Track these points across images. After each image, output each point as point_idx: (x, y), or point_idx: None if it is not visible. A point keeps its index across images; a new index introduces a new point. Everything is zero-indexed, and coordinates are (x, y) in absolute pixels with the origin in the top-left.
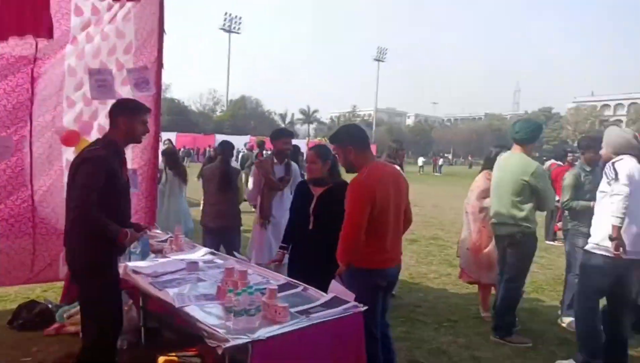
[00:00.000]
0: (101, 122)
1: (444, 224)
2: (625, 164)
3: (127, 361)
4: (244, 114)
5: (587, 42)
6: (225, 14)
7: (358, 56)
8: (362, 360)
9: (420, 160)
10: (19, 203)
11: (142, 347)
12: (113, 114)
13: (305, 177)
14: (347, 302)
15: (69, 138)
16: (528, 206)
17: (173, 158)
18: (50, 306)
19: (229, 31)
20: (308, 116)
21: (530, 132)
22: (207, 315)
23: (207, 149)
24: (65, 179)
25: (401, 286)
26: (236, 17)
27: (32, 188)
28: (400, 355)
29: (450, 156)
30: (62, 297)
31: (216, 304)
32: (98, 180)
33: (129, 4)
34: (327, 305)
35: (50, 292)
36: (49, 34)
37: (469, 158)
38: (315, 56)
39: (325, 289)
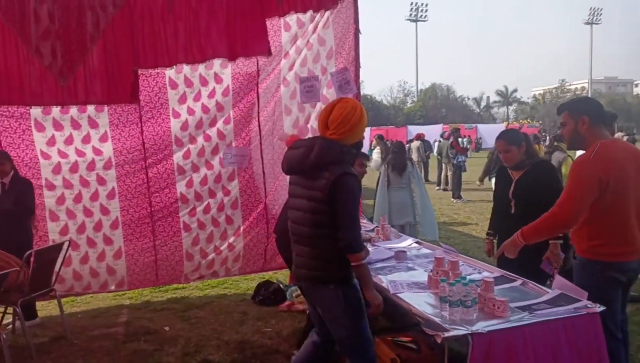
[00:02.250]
0: (313, 125)
1: None
2: None
3: None
4: (434, 103)
5: None
6: (411, 3)
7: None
8: None
9: None
10: (256, 204)
11: None
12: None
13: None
14: (578, 300)
15: (291, 142)
16: None
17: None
18: (281, 286)
19: (416, 20)
20: (506, 98)
21: None
22: (422, 303)
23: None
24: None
25: None
26: (422, 4)
27: (265, 190)
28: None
29: None
30: (290, 279)
31: (429, 293)
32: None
33: (327, 13)
34: (553, 302)
35: (279, 275)
36: (268, 53)
37: None
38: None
39: (533, 277)
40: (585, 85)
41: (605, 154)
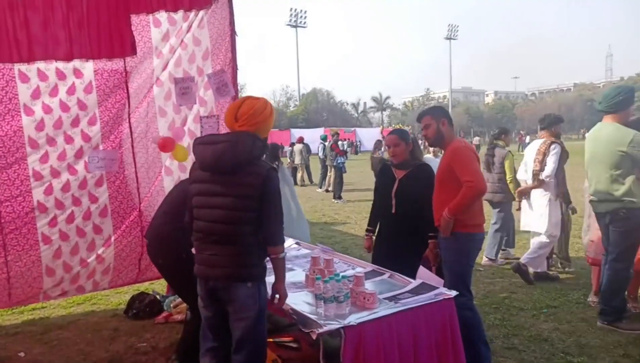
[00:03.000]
0: (191, 127)
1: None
2: None
3: None
4: (316, 107)
5: None
6: (291, 9)
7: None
8: (458, 345)
9: None
10: (129, 211)
11: None
12: None
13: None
14: (436, 288)
15: (165, 145)
16: (630, 179)
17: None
18: (158, 297)
19: (295, 26)
20: (381, 103)
21: (619, 99)
22: (299, 302)
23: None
24: (165, 184)
25: (493, 272)
26: (301, 11)
27: (139, 195)
28: (497, 342)
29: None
30: (167, 289)
31: (306, 291)
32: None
33: (201, 12)
34: (416, 291)
35: (156, 285)
36: (133, 51)
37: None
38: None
39: (412, 272)
40: (447, 94)
41: (469, 144)
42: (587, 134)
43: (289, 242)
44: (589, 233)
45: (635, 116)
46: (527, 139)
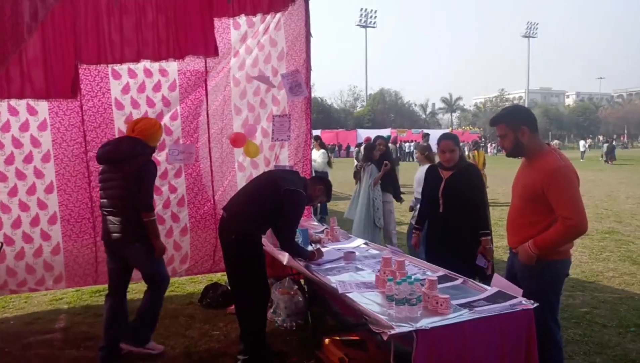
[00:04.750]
0: (264, 126)
1: (621, 216)
2: None
3: (297, 341)
4: (383, 108)
5: None
6: (361, 9)
7: (505, 35)
8: (533, 359)
9: (582, 144)
10: (203, 202)
11: (308, 329)
12: None
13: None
14: (514, 297)
15: (237, 140)
16: None
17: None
18: (229, 288)
19: (365, 26)
20: (450, 105)
21: None
22: (369, 302)
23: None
24: (237, 180)
25: (572, 285)
26: (371, 11)
27: (213, 188)
28: (577, 359)
29: (624, 138)
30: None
31: (376, 292)
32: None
33: (279, 14)
34: (491, 299)
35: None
36: (215, 53)
37: None
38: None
39: (465, 271)
40: (523, 94)
41: (566, 157)
42: None
43: (357, 242)
44: None
45: None
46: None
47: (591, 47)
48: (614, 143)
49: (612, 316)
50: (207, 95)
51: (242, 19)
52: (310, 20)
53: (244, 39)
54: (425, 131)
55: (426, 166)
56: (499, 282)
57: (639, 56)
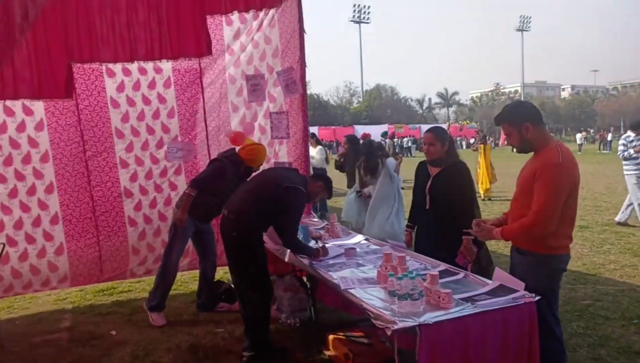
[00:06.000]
0: (261, 123)
1: (620, 208)
2: None
3: (300, 337)
4: (379, 104)
5: None
6: (354, 5)
7: (498, 29)
8: (534, 351)
9: (578, 137)
10: None
11: (312, 325)
12: None
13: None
14: (516, 291)
15: (236, 138)
16: None
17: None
18: (232, 286)
19: (359, 22)
20: (446, 100)
21: None
22: (372, 298)
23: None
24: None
25: (574, 278)
26: (365, 7)
27: None
28: (582, 352)
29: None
30: None
31: (378, 288)
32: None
33: (272, 11)
34: (493, 293)
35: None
36: (209, 52)
37: None
38: (451, 35)
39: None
40: (518, 88)
41: (568, 154)
42: None
43: (357, 238)
44: None
45: None
46: (610, 137)
47: (585, 40)
48: (610, 135)
49: (614, 309)
50: (203, 92)
51: (235, 16)
52: (303, 16)
53: (237, 36)
54: (423, 125)
55: None
56: (500, 276)
57: (633, 49)
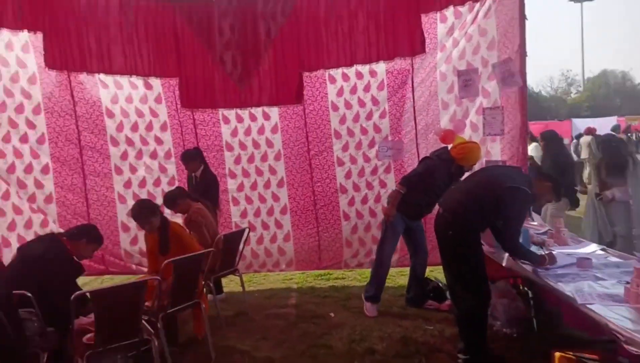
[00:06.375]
0: (472, 120)
1: None
2: None
3: (519, 349)
4: (605, 93)
5: None
6: None
7: None
8: None
9: None
10: None
11: (533, 338)
12: None
13: None
14: None
15: (446, 137)
16: None
17: None
18: (440, 284)
19: (581, 0)
20: None
21: None
22: (619, 318)
23: None
24: None
25: None
26: None
27: None
28: None
29: None
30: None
31: (627, 307)
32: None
33: (489, 1)
34: None
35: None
36: (422, 50)
37: None
38: None
39: None
40: None
41: None
42: None
43: (591, 247)
44: None
45: None
46: None
47: None
48: None
49: None
50: (413, 91)
51: (450, 11)
52: (524, 1)
53: (450, 32)
54: None
55: None
56: None
57: None
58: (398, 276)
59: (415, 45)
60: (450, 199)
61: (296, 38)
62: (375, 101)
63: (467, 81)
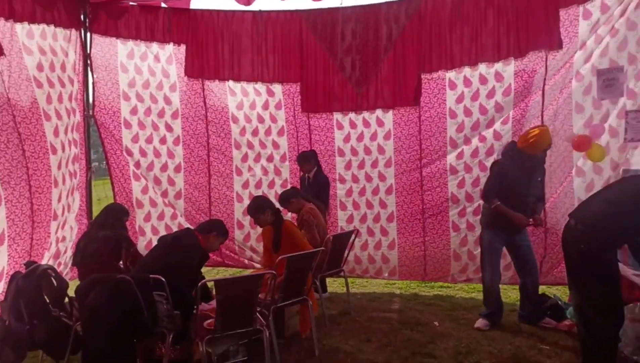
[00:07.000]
0: (612, 124)
1: None
2: None
3: None
4: None
5: None
6: None
7: None
8: None
9: None
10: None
11: None
12: None
13: None
14: None
15: (581, 143)
16: None
17: None
18: (559, 302)
19: None
20: None
21: None
22: None
23: None
24: (575, 185)
25: None
26: None
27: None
28: None
29: None
30: (569, 298)
31: None
32: None
33: None
34: None
35: (554, 289)
36: (559, 45)
37: None
38: None
39: None
40: None
41: None
42: None
43: None
44: None
45: None
46: None
47: None
48: None
49: None
50: (543, 96)
51: (595, 6)
52: None
53: (594, 29)
54: None
55: None
56: None
57: None
58: (510, 290)
59: (552, 40)
60: (584, 209)
61: (418, 39)
62: (499, 108)
63: (609, 81)
